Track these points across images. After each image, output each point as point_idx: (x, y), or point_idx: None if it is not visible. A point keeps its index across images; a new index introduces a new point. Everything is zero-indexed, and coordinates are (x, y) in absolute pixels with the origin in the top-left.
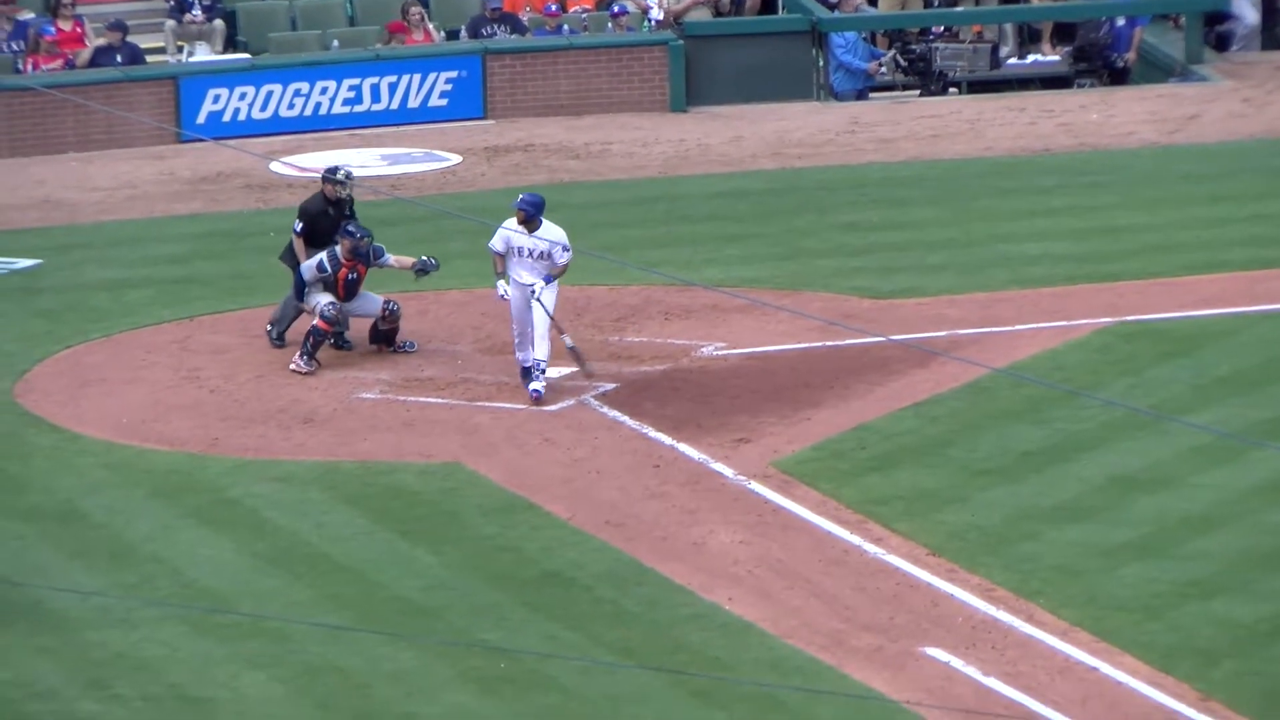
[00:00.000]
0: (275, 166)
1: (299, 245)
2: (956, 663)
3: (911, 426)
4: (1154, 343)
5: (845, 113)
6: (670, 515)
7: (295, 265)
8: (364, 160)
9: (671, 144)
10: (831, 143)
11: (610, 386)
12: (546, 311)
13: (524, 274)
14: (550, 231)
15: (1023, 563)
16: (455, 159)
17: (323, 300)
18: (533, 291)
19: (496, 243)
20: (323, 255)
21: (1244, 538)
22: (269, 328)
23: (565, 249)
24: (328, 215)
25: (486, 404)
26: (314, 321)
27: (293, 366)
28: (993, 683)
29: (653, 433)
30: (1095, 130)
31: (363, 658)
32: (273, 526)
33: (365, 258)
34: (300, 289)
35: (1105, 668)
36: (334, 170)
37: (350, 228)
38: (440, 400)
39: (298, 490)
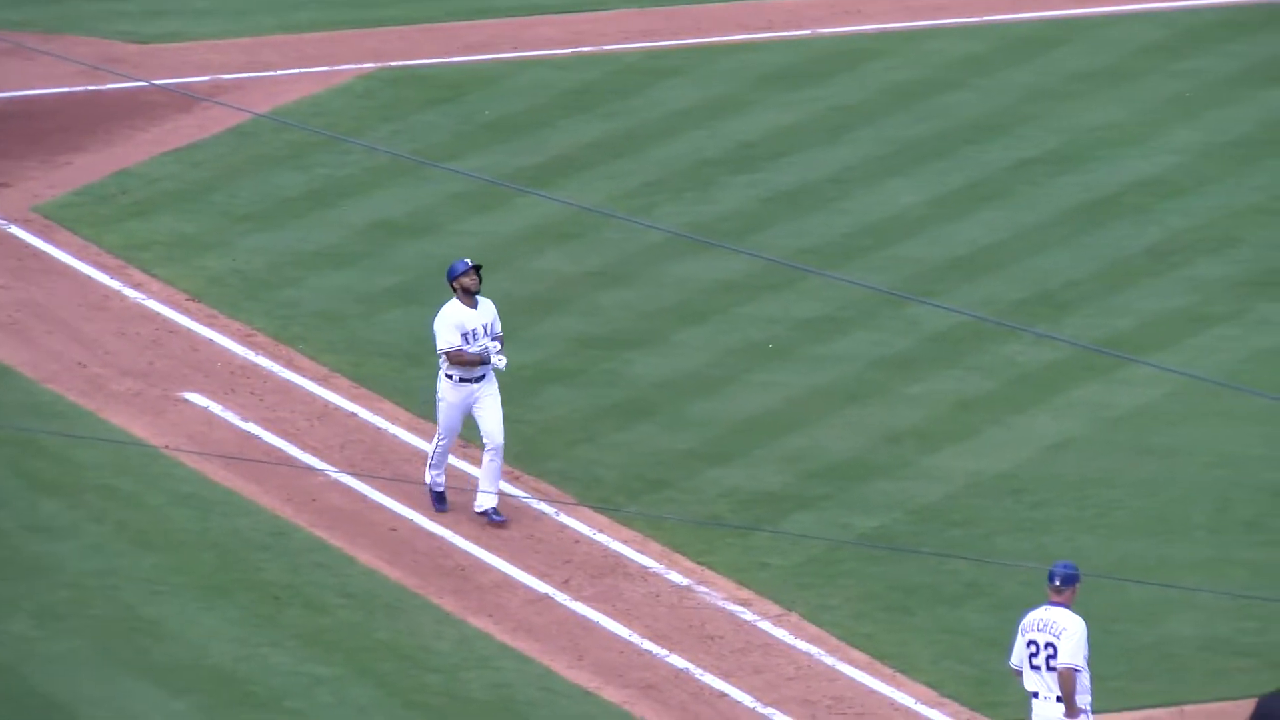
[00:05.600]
0: None
1: None
2: (216, 408)
3: (173, 172)
4: (419, 88)
5: None
6: None
7: None
8: None
9: None
10: None
11: None
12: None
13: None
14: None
15: (284, 308)
16: None
17: None
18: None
19: (448, 335)
20: None
21: (510, 283)
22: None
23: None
24: None
25: None
26: None
27: None
28: (252, 427)
29: None
30: None
31: None
32: None
33: None
34: None
35: (364, 413)
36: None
37: None
38: None
39: None
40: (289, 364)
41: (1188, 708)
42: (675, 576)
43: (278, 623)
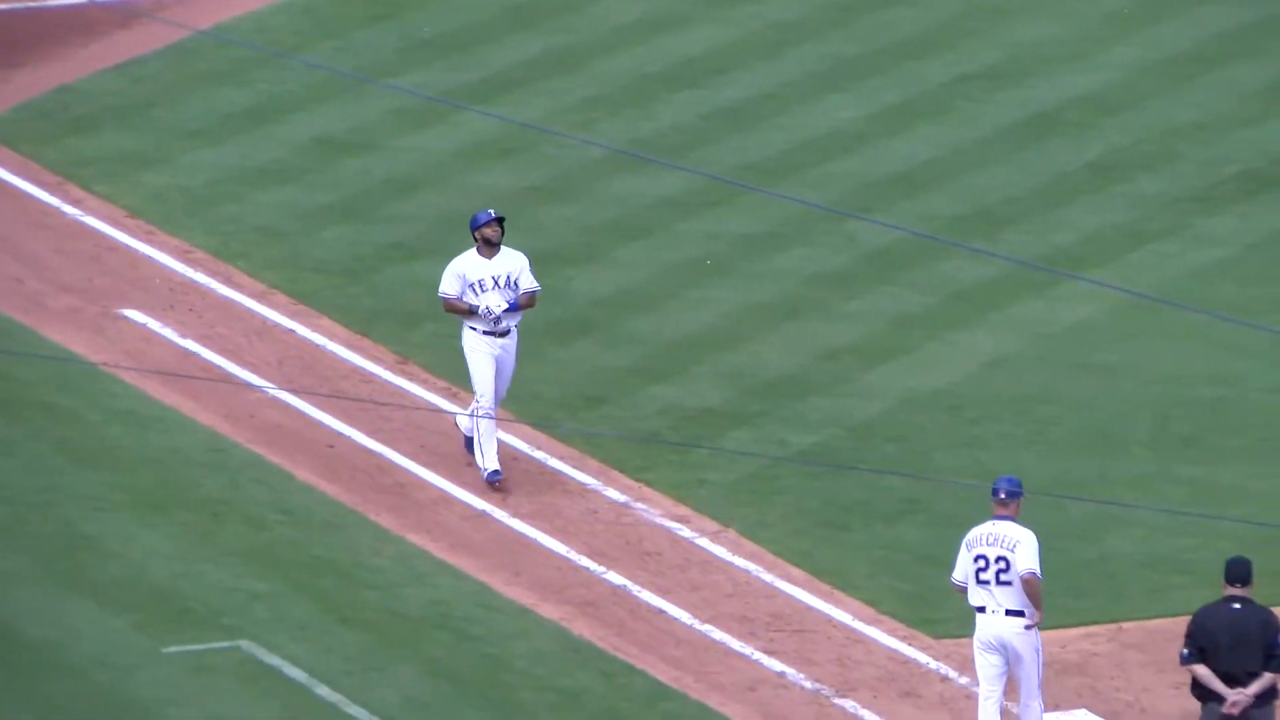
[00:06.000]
0: None
1: None
2: (154, 324)
3: (115, 88)
4: (360, 5)
5: None
6: None
7: None
8: None
9: None
10: None
11: None
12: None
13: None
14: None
15: (224, 225)
16: None
17: None
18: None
19: (447, 282)
20: None
21: (446, 199)
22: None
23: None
24: None
25: None
26: None
27: None
28: (190, 344)
29: None
30: None
31: None
32: None
33: None
34: None
35: (302, 330)
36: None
37: None
38: None
39: None
40: (228, 281)
41: (1126, 624)
42: (613, 493)
43: (216, 539)
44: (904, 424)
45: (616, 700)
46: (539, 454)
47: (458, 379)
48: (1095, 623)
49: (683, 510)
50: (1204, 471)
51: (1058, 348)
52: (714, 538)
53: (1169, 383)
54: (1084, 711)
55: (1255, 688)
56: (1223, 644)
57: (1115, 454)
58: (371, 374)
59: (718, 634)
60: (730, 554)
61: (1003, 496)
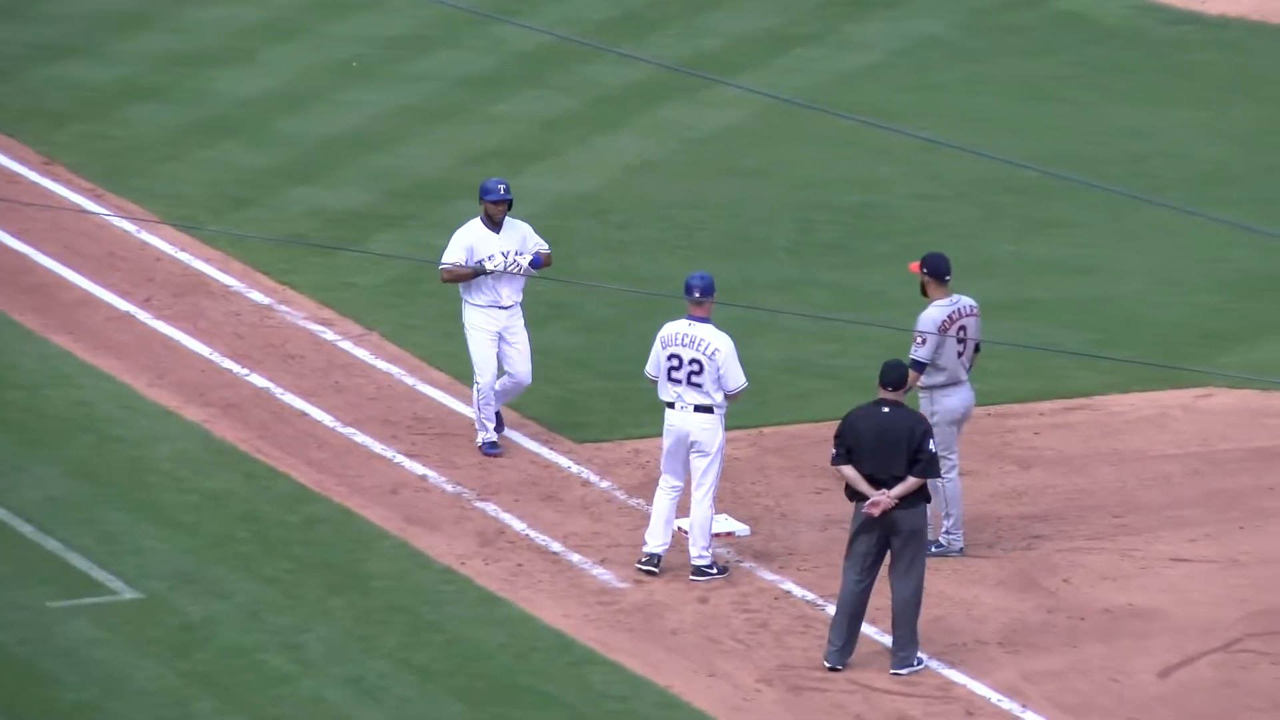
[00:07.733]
0: None
1: None
2: None
3: None
4: None
5: None
6: None
7: None
8: None
9: None
10: None
11: None
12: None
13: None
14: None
15: None
16: None
17: None
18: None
19: (452, 252)
20: None
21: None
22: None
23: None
24: None
25: None
26: None
27: None
28: None
29: None
30: None
31: None
32: None
33: None
34: None
35: None
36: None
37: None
38: None
39: None
40: None
41: (766, 429)
42: (257, 296)
43: None
44: (551, 228)
45: (259, 503)
46: (183, 255)
47: (103, 180)
48: (736, 427)
49: (327, 313)
50: (847, 277)
51: (704, 152)
52: (358, 341)
53: (814, 188)
54: (725, 516)
55: (899, 490)
56: (868, 446)
57: (759, 258)
58: (16, 174)
59: (360, 437)
60: (374, 357)
61: (697, 295)
